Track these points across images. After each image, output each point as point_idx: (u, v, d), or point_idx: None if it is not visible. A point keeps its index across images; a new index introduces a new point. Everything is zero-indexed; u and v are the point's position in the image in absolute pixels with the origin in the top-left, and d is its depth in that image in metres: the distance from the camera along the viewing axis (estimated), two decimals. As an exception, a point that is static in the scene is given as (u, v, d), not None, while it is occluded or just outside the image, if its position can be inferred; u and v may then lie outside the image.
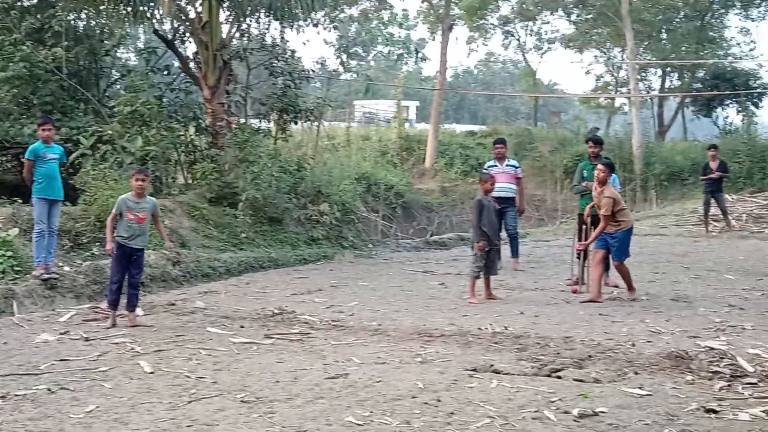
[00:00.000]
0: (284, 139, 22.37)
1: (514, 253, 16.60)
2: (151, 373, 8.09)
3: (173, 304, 12.06)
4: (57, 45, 18.78)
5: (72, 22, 20.50)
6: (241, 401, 7.11)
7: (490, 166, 16.26)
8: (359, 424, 6.46)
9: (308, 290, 13.58)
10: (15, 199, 14.59)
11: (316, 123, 23.83)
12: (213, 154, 19.20)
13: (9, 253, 12.46)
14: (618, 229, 12.48)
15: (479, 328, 10.24)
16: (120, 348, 9.22)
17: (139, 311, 10.98)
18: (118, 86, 22.14)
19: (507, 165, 16.24)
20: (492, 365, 8.32)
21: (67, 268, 12.93)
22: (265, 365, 8.42)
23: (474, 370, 8.18)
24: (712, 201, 22.89)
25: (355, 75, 33.70)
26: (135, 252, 10.66)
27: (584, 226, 13.74)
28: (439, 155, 40.60)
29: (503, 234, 16.14)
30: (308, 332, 10.12)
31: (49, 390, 7.42)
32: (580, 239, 13.77)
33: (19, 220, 13.66)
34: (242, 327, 10.45)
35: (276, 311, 11.28)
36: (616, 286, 13.28)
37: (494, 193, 14.59)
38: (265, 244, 17.64)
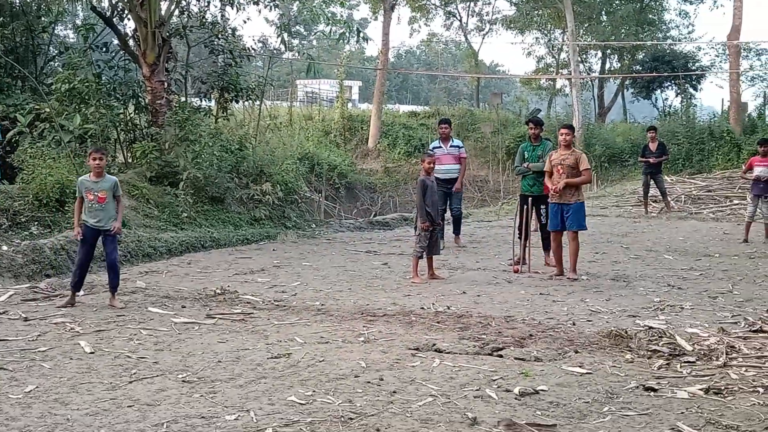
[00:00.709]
0: (225, 118, 22.19)
1: (457, 231, 16.80)
2: (92, 353, 8.00)
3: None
4: (-7, 21, 18.44)
5: (8, -3, 20.14)
6: (183, 381, 7.07)
7: (434, 147, 16.38)
8: (302, 404, 6.45)
9: (251, 270, 13.55)
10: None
11: (257, 102, 23.64)
12: (153, 133, 18.99)
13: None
14: (578, 199, 12.81)
15: (422, 308, 10.29)
16: (60, 328, 9.11)
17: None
18: (56, 63, 21.79)
19: (451, 146, 16.37)
20: (434, 344, 8.35)
21: (5, 248, 12.74)
22: (207, 345, 8.38)
23: (416, 349, 8.21)
24: (652, 182, 23.18)
25: (297, 54, 33.50)
26: (103, 233, 10.48)
27: (526, 207, 13.87)
28: (382, 135, 40.58)
29: (447, 214, 16.30)
30: (251, 312, 10.09)
31: (-15, 371, 7.31)
32: (521, 220, 13.89)
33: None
34: (184, 307, 10.39)
35: (218, 291, 11.23)
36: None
37: (439, 174, 14.82)
38: (206, 224, 17.52)
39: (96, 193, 10.32)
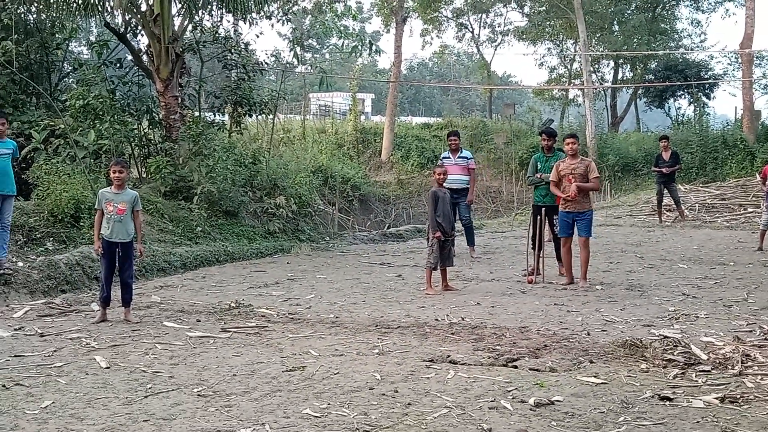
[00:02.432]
0: (239, 132, 22.28)
1: (470, 242, 16.93)
2: (107, 368, 8.03)
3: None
4: (7, 38, 18.49)
5: (22, 15, 20.21)
6: (198, 395, 7.09)
7: (444, 158, 16.69)
8: (317, 417, 6.46)
9: (265, 283, 13.57)
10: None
11: (271, 116, 23.72)
12: (167, 148, 19.06)
13: (-40, 250, 12.29)
14: (589, 207, 13.07)
15: (436, 319, 10.29)
16: (75, 343, 9.14)
17: (94, 306, 10.90)
18: (70, 80, 21.89)
19: (459, 157, 16.53)
20: (449, 356, 8.36)
21: (20, 264, 12.80)
22: (222, 359, 8.40)
23: (431, 360, 8.22)
24: (665, 191, 23.14)
25: (309, 68, 33.62)
26: (121, 247, 10.48)
27: (539, 217, 13.88)
28: (395, 148, 40.65)
29: (458, 225, 16.36)
30: (265, 325, 10.10)
31: (3, 386, 7.33)
32: (534, 230, 13.89)
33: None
34: (199, 321, 10.42)
35: (233, 305, 11.24)
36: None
37: (447, 184, 14.85)
38: (221, 238, 17.56)
39: (116, 205, 10.34)
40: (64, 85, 21.61)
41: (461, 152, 16.75)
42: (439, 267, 12.71)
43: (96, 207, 10.65)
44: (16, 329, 9.91)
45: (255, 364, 8.17)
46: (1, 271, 12.19)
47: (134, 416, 6.51)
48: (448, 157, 16.55)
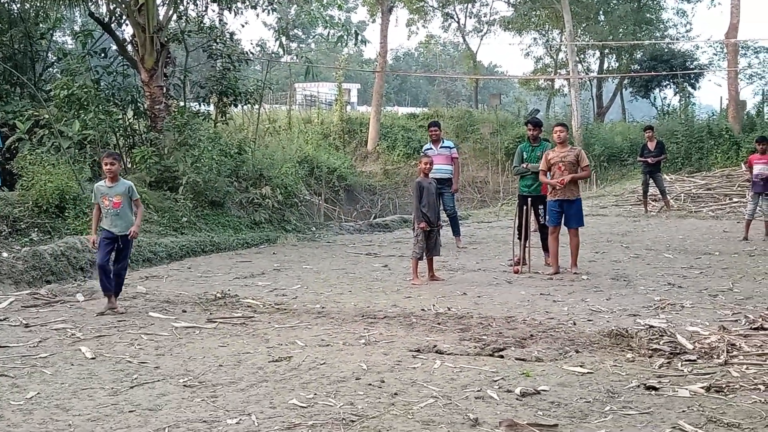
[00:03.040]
0: (224, 123, 22.22)
1: (456, 232, 17.02)
2: (93, 358, 8.00)
3: (114, 290, 11.95)
4: (-9, 28, 18.43)
5: (6, 4, 20.12)
6: (184, 386, 7.06)
7: (426, 149, 16.72)
8: (303, 407, 6.44)
9: (251, 274, 13.55)
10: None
11: (256, 106, 23.66)
12: (152, 138, 19.01)
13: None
14: (578, 195, 13.17)
15: (422, 310, 10.29)
16: (60, 334, 9.11)
17: (79, 296, 10.85)
18: (55, 70, 21.78)
19: (442, 147, 16.65)
20: (435, 346, 8.35)
21: (5, 254, 12.74)
22: (208, 349, 8.38)
23: (417, 351, 8.21)
24: (651, 181, 23.19)
25: (295, 57, 33.55)
26: (121, 239, 10.43)
27: (525, 207, 13.89)
28: (381, 138, 40.62)
29: (443, 215, 16.43)
30: (251, 316, 10.09)
31: (-13, 378, 7.32)
32: (520, 220, 13.91)
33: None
34: (184, 311, 10.39)
35: (218, 295, 11.22)
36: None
37: (431, 175, 14.92)
38: (206, 228, 17.52)
39: (111, 198, 10.29)
40: (48, 75, 21.50)
41: (443, 142, 16.84)
42: (425, 256, 12.72)
43: (93, 201, 10.60)
44: (0, 320, 9.85)
45: (241, 354, 8.15)
46: None
47: (120, 407, 6.49)
48: (431, 148, 16.63)
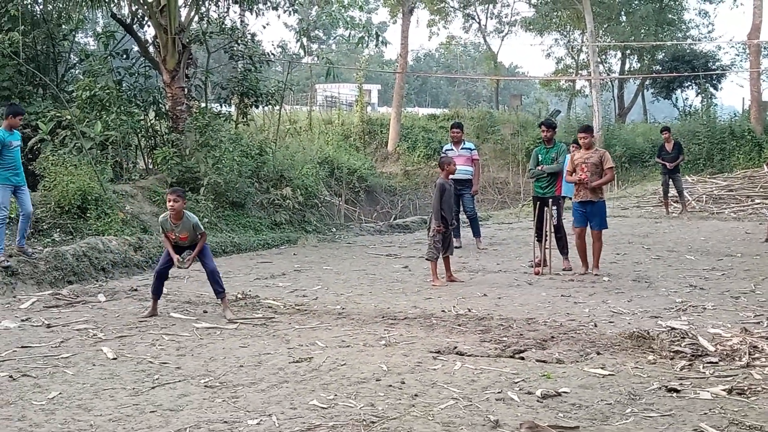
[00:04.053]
0: (245, 124, 22.27)
1: (476, 233, 17.02)
2: (114, 359, 8.04)
3: (135, 290, 12.06)
4: (13, 29, 18.46)
5: (29, 6, 20.21)
6: (205, 386, 7.09)
7: (446, 150, 16.74)
8: (323, 408, 6.45)
9: (271, 275, 13.58)
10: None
11: (277, 107, 23.72)
12: (173, 139, 19.07)
13: (-32, 240, 12.31)
14: (600, 197, 13.09)
15: (443, 311, 10.29)
16: (82, 334, 9.16)
17: (101, 297, 10.89)
18: (77, 71, 21.88)
19: (463, 148, 16.65)
20: (455, 347, 8.35)
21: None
22: (229, 350, 8.41)
23: (438, 352, 8.21)
24: (670, 182, 23.08)
25: (316, 59, 33.59)
26: (188, 250, 10.38)
27: (546, 208, 13.80)
28: (402, 139, 40.59)
29: (462, 216, 16.53)
30: (272, 317, 10.13)
31: (10, 377, 7.36)
32: (539, 222, 13.85)
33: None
34: (205, 312, 10.44)
35: (239, 296, 11.26)
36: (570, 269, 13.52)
37: (451, 176, 15.05)
38: (227, 229, 17.58)
39: (177, 234, 10.21)
40: (70, 76, 21.60)
41: (464, 144, 16.84)
42: (441, 256, 12.71)
43: (160, 232, 10.60)
44: (23, 320, 9.93)
45: (262, 355, 8.18)
46: (26, 257, 12.59)
47: (141, 407, 6.52)
48: (451, 149, 16.64)
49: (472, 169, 16.61)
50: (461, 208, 16.58)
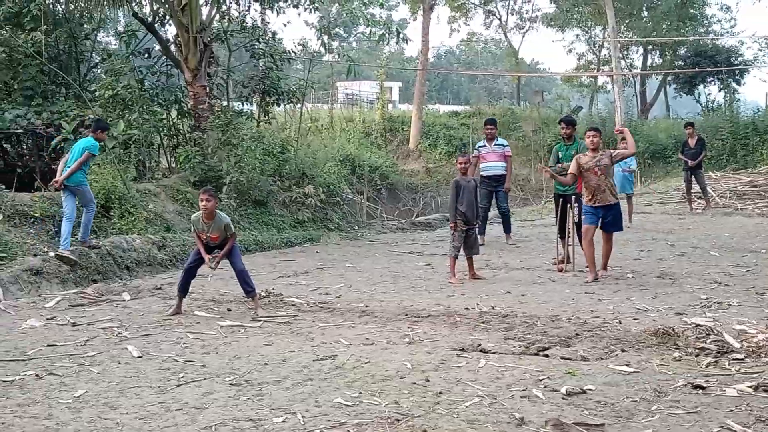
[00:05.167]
0: (267, 122, 22.31)
1: (507, 229, 17.12)
2: (139, 357, 8.08)
3: (159, 288, 12.11)
4: (36, 29, 18.57)
5: (51, 6, 20.32)
6: (230, 384, 7.11)
7: (480, 146, 16.89)
8: (348, 405, 6.46)
9: (295, 273, 13.61)
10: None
11: (298, 105, 23.76)
12: (196, 138, 19.13)
13: (-7, 240, 12.41)
14: (614, 200, 12.61)
15: (466, 308, 10.27)
16: (107, 333, 9.21)
17: (125, 295, 10.93)
18: (99, 70, 21.99)
19: (496, 144, 16.62)
20: (479, 345, 8.34)
21: (52, 254, 12.88)
22: (253, 348, 8.43)
23: (462, 349, 8.20)
24: (693, 178, 22.93)
25: (336, 56, 33.62)
26: (216, 249, 10.42)
27: (568, 205, 13.72)
28: (423, 136, 40.50)
29: (493, 212, 16.58)
30: (295, 314, 10.15)
31: (37, 375, 7.41)
32: (562, 219, 13.79)
33: (2, 206, 13.54)
34: (229, 310, 10.47)
35: (263, 294, 11.26)
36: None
37: (485, 172, 15.34)
38: (250, 227, 17.61)
39: (209, 234, 10.25)
40: (92, 75, 21.71)
41: (497, 140, 16.82)
42: (465, 255, 12.69)
43: (192, 231, 10.63)
44: (48, 319, 10.00)
45: (286, 353, 8.19)
46: (94, 246, 13.21)
47: (167, 405, 6.55)
48: (484, 145, 16.70)
49: (505, 164, 16.61)
50: (489, 204, 16.75)
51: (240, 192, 18.06)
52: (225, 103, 21.11)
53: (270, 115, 22.35)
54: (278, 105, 22.75)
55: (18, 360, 8.01)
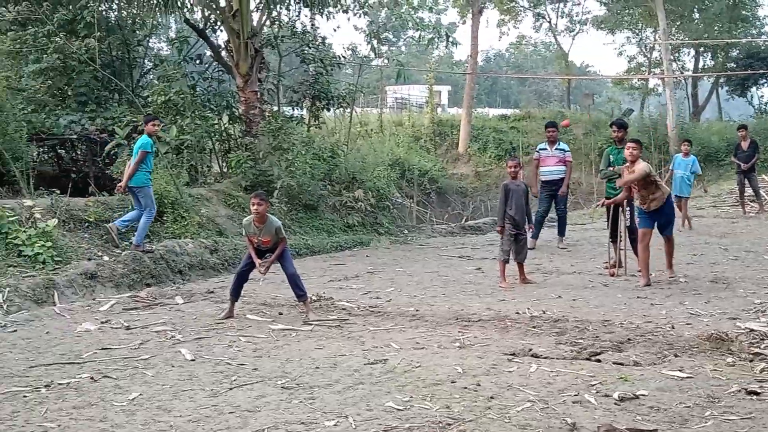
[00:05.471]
0: (317, 126, 22.43)
1: (561, 232, 17.14)
2: (192, 360, 8.17)
3: (212, 292, 12.20)
4: (89, 36, 18.83)
5: (104, 12, 20.61)
6: (282, 387, 7.16)
7: (540, 149, 16.90)
8: (399, 409, 6.48)
9: (345, 276, 13.66)
10: (53, 190, 14.65)
11: (348, 109, 23.84)
12: (247, 143, 19.26)
13: (49, 244, 12.57)
14: (664, 201, 12.39)
15: (517, 313, 10.25)
16: (160, 336, 9.31)
17: (178, 299, 11.05)
18: (151, 76, 22.24)
19: (557, 149, 16.60)
20: (531, 349, 8.32)
21: (106, 258, 13.05)
22: (305, 351, 8.48)
23: (513, 354, 8.19)
24: (746, 181, 22.65)
25: (386, 61, 33.68)
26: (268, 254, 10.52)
27: (620, 209, 13.61)
28: (472, 140, 40.42)
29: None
30: (346, 318, 10.18)
31: (91, 378, 7.51)
32: (614, 223, 13.66)
33: (57, 211, 13.74)
34: (281, 314, 10.53)
35: (314, 298, 11.31)
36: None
37: (544, 177, 15.47)
38: (301, 231, 17.70)
39: (260, 238, 10.34)
40: (145, 81, 21.96)
41: (558, 144, 16.78)
42: (514, 260, 12.67)
43: (243, 235, 10.71)
44: (102, 322, 10.12)
45: (337, 356, 8.23)
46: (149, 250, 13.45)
47: (219, 408, 6.61)
48: (545, 149, 16.73)
49: (565, 168, 16.61)
50: (548, 208, 16.94)
51: (291, 196, 18.18)
52: (275, 108, 21.24)
53: (320, 119, 22.47)
54: (328, 110, 22.86)
55: (73, 363, 8.13)
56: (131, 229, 13.97)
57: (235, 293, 10.49)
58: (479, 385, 7.11)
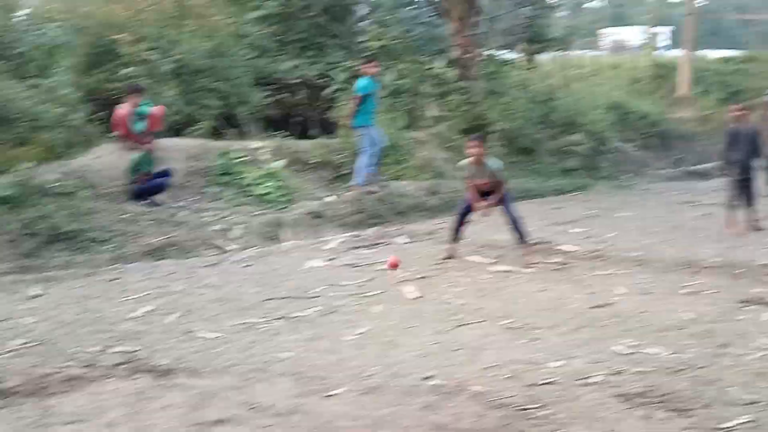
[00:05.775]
0: (532, 69, 22.10)
1: None
2: (416, 298, 8.29)
3: (432, 233, 12.24)
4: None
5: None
6: (506, 328, 7.18)
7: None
8: (627, 354, 6.38)
9: (564, 221, 13.44)
10: (279, 131, 15.07)
11: (564, 52, 23.37)
12: (462, 87, 19.19)
13: (278, 184, 13.01)
14: None
15: (748, 260, 9.81)
16: (386, 274, 9.48)
17: (399, 239, 11.27)
18: (366, 22, 22.45)
19: None
20: (763, 298, 7.98)
21: (330, 198, 13.38)
22: (527, 293, 8.46)
23: (745, 302, 7.89)
24: None
25: (603, 2, 32.86)
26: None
27: None
28: (694, 83, 38.90)
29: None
30: (568, 262, 10.05)
31: (321, 313, 7.75)
32: None
33: (285, 152, 14.16)
34: (501, 256, 10.47)
35: (534, 241, 11.21)
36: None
37: None
38: (518, 175, 17.53)
39: (478, 179, 10.39)
40: (359, 27, 22.20)
41: None
42: (743, 206, 12.15)
43: (464, 176, 10.79)
44: (328, 260, 10.40)
45: (560, 299, 8.18)
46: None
47: (446, 345, 6.70)
48: None
49: None
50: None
51: (507, 140, 18.04)
52: (490, 52, 21.06)
53: (534, 63, 22.14)
54: (543, 53, 22.48)
55: (303, 297, 8.42)
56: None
57: (456, 234, 10.55)
58: (710, 332, 6.90)
